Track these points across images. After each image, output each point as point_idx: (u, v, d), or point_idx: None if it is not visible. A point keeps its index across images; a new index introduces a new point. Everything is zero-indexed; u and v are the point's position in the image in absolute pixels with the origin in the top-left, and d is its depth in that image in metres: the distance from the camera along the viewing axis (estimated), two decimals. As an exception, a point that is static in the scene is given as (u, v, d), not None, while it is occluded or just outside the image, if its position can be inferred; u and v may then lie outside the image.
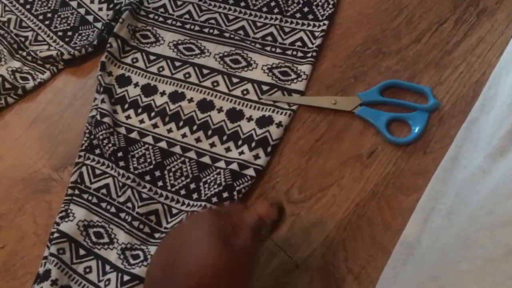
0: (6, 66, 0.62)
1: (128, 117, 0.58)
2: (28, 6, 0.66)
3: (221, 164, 0.54)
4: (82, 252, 0.51)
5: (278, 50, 0.60)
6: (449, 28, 0.59)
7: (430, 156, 0.53)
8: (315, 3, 0.63)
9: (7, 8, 0.66)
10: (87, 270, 0.50)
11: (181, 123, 0.57)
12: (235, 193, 0.52)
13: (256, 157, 0.54)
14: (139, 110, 0.58)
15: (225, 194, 0.52)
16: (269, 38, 0.61)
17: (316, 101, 0.57)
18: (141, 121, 0.58)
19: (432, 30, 0.60)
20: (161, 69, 0.61)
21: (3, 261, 0.54)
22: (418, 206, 0.50)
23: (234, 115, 0.57)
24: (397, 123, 0.55)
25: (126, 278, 0.48)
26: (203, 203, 0.52)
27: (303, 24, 0.61)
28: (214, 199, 0.52)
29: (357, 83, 0.58)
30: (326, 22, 0.61)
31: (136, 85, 0.60)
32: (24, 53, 0.63)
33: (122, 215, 0.52)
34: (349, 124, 0.56)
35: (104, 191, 0.54)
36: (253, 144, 0.55)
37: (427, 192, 0.51)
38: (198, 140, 0.56)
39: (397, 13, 0.61)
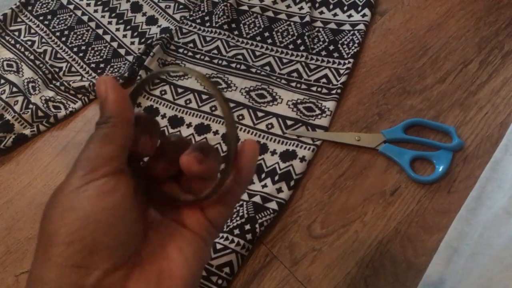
0: (40, 95, 0.65)
1: (154, 147, 0.59)
2: (63, 39, 0.69)
3: (244, 196, 0.55)
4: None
5: (303, 86, 0.61)
6: (474, 69, 0.60)
7: (454, 195, 0.53)
8: (340, 42, 0.64)
9: (43, 40, 0.69)
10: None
11: (206, 155, 0.58)
12: (257, 225, 0.52)
13: (279, 190, 0.54)
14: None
15: (247, 227, 0.52)
16: (295, 74, 0.62)
17: (340, 137, 0.57)
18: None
19: (457, 71, 0.60)
20: (188, 101, 0.62)
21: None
22: (442, 245, 0.49)
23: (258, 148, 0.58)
24: (421, 162, 0.55)
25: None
26: (225, 235, 0.52)
27: (328, 62, 0.63)
28: (236, 231, 0.52)
29: (381, 120, 0.58)
30: (351, 60, 0.62)
31: (163, 116, 0.62)
32: (58, 83, 0.65)
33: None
34: (372, 161, 0.56)
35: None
36: (276, 178, 0.55)
37: (450, 232, 0.50)
38: (222, 172, 0.57)
39: (422, 53, 0.62)
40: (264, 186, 0.55)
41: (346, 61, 0.62)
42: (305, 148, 0.57)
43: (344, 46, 0.64)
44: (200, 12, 0.69)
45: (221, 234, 0.52)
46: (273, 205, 0.54)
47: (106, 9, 0.71)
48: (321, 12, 0.67)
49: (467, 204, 0.52)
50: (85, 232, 0.24)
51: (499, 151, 0.55)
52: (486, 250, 0.44)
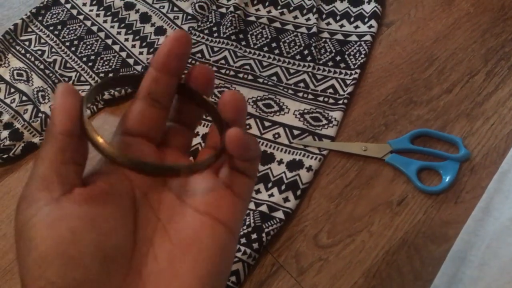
0: (49, 104, 0.65)
1: (162, 156, 0.60)
2: (73, 49, 0.70)
3: (251, 205, 0.55)
4: None
5: (310, 96, 0.62)
6: (481, 80, 0.60)
7: (461, 206, 0.53)
8: (347, 53, 0.65)
9: (53, 50, 0.70)
10: None
11: (213, 164, 0.58)
12: (263, 235, 0.52)
13: (286, 200, 0.55)
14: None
15: (254, 236, 0.52)
16: (302, 84, 0.63)
17: (346, 147, 0.58)
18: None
19: (463, 82, 0.61)
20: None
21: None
22: (449, 256, 0.49)
23: (265, 158, 0.58)
24: (427, 172, 0.55)
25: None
26: (231, 244, 0.52)
27: (335, 72, 0.63)
28: (243, 240, 0.52)
29: (388, 130, 0.58)
30: (357, 70, 0.62)
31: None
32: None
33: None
34: (379, 171, 0.56)
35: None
36: (283, 187, 0.55)
37: (457, 242, 0.50)
38: (229, 181, 0.57)
39: (428, 64, 0.63)
40: (271, 195, 0.55)
41: (353, 72, 0.63)
42: (311, 158, 0.57)
43: (351, 57, 0.64)
44: (208, 23, 0.70)
45: (227, 243, 0.52)
46: (279, 214, 0.54)
47: (116, 19, 0.72)
48: (328, 23, 0.68)
49: (475, 214, 0.52)
50: (50, 272, 0.22)
51: (506, 162, 0.55)
52: (493, 261, 0.44)
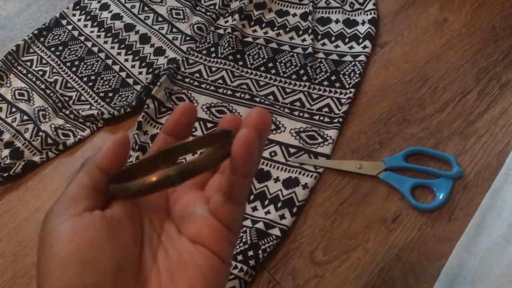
0: (49, 123, 0.66)
1: (160, 174, 0.61)
2: (74, 69, 0.71)
3: (248, 222, 0.56)
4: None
5: (306, 115, 0.63)
6: (473, 99, 0.62)
7: (455, 223, 0.53)
8: (342, 72, 0.66)
9: (54, 70, 0.71)
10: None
11: (210, 182, 0.59)
12: (260, 252, 0.53)
13: (282, 217, 0.55)
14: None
15: (250, 253, 0.53)
16: (298, 103, 0.64)
17: (341, 164, 0.59)
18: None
19: (456, 101, 0.62)
20: (193, 130, 0.64)
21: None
22: (443, 273, 0.50)
23: (262, 175, 0.59)
24: (421, 189, 0.56)
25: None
26: (228, 261, 0.53)
27: (330, 92, 0.64)
28: (239, 257, 0.53)
29: (382, 148, 0.59)
30: (352, 90, 0.64)
31: (169, 144, 0.63)
32: (67, 112, 0.67)
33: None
34: (374, 188, 0.57)
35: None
36: (279, 205, 0.56)
37: (451, 259, 0.51)
38: (226, 198, 0.58)
39: (421, 83, 0.64)
40: (267, 212, 0.56)
41: (348, 91, 0.64)
42: (307, 176, 0.58)
43: (346, 77, 0.66)
44: (206, 44, 0.71)
45: (224, 260, 0.53)
46: (276, 231, 0.54)
47: (116, 40, 0.74)
48: (323, 44, 0.70)
49: (468, 231, 0.52)
50: (68, 277, 0.25)
51: (499, 179, 0.55)
52: (485, 277, 0.45)
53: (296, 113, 0.63)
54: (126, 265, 0.27)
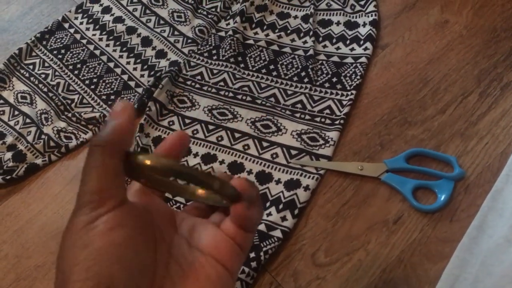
0: (52, 126, 0.67)
1: (162, 176, 0.61)
2: (76, 72, 0.72)
3: (249, 224, 0.56)
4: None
5: (307, 117, 0.63)
6: (474, 101, 0.62)
7: (457, 224, 0.53)
8: (343, 74, 0.66)
9: (57, 73, 0.72)
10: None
11: (212, 184, 0.59)
12: (261, 253, 0.53)
13: (283, 219, 0.55)
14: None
15: (252, 255, 0.53)
16: (299, 105, 0.64)
17: (343, 166, 0.59)
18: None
19: (457, 102, 0.62)
20: (195, 131, 0.64)
21: (34, 312, 0.55)
22: (444, 274, 0.50)
23: (263, 177, 0.59)
24: (423, 191, 0.56)
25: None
26: (230, 263, 0.53)
27: (331, 93, 0.65)
28: (241, 259, 0.53)
29: (384, 150, 0.60)
30: (353, 91, 0.64)
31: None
32: (70, 114, 0.68)
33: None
34: (375, 190, 0.57)
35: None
36: (280, 206, 0.56)
37: (452, 260, 0.51)
38: (227, 200, 0.58)
39: (422, 85, 0.64)
40: (269, 214, 0.56)
41: (349, 93, 0.64)
42: (309, 177, 0.58)
43: (347, 78, 0.66)
44: (207, 46, 0.71)
45: (226, 262, 0.53)
46: (277, 233, 0.54)
47: (118, 43, 0.74)
48: (325, 46, 0.70)
49: (469, 232, 0.52)
50: (99, 267, 0.25)
51: (500, 180, 0.55)
52: (487, 278, 0.44)
53: (298, 115, 0.63)
54: (147, 267, 0.28)
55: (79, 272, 0.25)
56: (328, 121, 0.62)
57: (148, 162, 0.27)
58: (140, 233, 0.28)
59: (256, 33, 0.72)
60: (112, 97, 0.69)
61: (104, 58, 0.73)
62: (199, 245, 0.30)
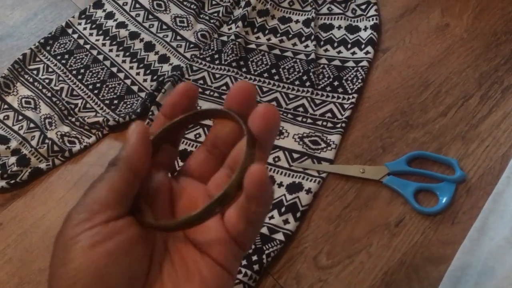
0: (55, 130, 0.67)
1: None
2: (79, 77, 0.72)
3: (252, 227, 0.56)
4: None
5: (309, 121, 0.63)
6: (475, 104, 0.62)
7: (458, 226, 0.54)
8: (344, 78, 0.67)
9: (60, 78, 0.72)
10: None
11: (214, 187, 0.60)
12: (264, 256, 0.53)
13: (286, 222, 0.56)
14: (176, 174, 0.62)
15: (254, 257, 0.53)
16: (301, 109, 0.65)
17: (344, 169, 0.59)
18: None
19: (458, 105, 0.62)
20: (197, 135, 0.64)
21: (38, 315, 0.56)
22: (446, 276, 0.50)
23: (266, 181, 0.59)
24: (424, 193, 0.56)
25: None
26: (233, 266, 0.53)
27: (333, 97, 0.65)
28: (244, 262, 0.53)
29: (385, 153, 0.60)
30: (355, 95, 0.64)
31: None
32: (73, 119, 0.68)
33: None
34: (377, 192, 0.57)
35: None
36: (283, 209, 0.57)
37: (454, 262, 0.51)
38: (230, 204, 0.58)
39: (423, 88, 0.64)
40: (271, 217, 0.56)
41: (350, 96, 0.64)
42: (311, 181, 0.58)
43: (348, 82, 0.66)
44: (210, 51, 0.72)
45: (229, 265, 0.53)
46: (280, 236, 0.55)
47: (121, 48, 0.74)
48: (326, 50, 0.70)
49: (470, 235, 0.52)
50: (79, 285, 0.24)
51: (501, 183, 0.56)
52: (488, 280, 0.45)
53: (299, 118, 0.64)
54: (136, 280, 0.26)
55: None
56: (329, 124, 0.63)
57: None
58: (129, 245, 0.26)
59: (258, 38, 0.73)
60: (115, 101, 0.70)
61: (107, 63, 0.73)
62: (195, 239, 0.29)
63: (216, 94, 0.67)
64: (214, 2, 0.78)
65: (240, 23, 0.73)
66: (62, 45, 0.76)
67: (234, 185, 0.25)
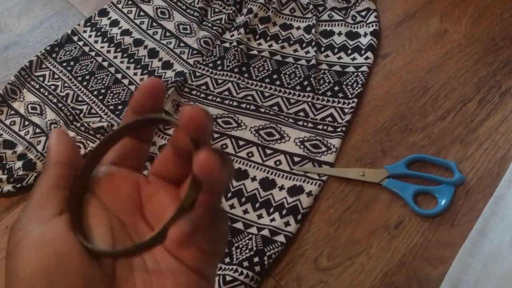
0: (61, 135, 0.69)
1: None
2: (85, 83, 0.74)
3: (253, 230, 0.57)
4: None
5: (310, 125, 0.64)
6: (473, 108, 0.63)
7: (457, 228, 0.54)
8: (345, 83, 0.68)
9: (66, 85, 0.74)
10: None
11: (217, 190, 0.61)
12: (265, 258, 0.54)
13: (287, 224, 0.56)
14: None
15: (256, 259, 0.54)
16: (302, 113, 0.66)
17: (345, 172, 0.60)
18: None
19: (457, 109, 0.63)
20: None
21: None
22: (446, 276, 0.51)
23: (267, 184, 0.60)
24: (424, 196, 0.57)
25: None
26: (234, 267, 0.54)
27: (333, 102, 0.66)
28: (245, 263, 0.54)
29: (385, 156, 0.61)
30: (355, 100, 0.65)
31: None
32: (78, 124, 0.69)
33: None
34: (377, 195, 0.58)
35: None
36: (284, 212, 0.57)
37: (454, 263, 0.52)
38: (232, 207, 0.59)
39: (423, 93, 0.65)
40: (272, 220, 0.57)
41: (351, 101, 0.65)
42: (311, 184, 0.59)
43: (349, 87, 0.67)
44: (212, 57, 0.73)
45: (230, 266, 0.54)
46: (281, 238, 0.56)
47: (125, 55, 0.76)
48: (326, 56, 0.71)
49: (471, 237, 0.53)
50: None
51: (502, 186, 0.56)
52: (488, 280, 0.45)
53: (300, 123, 0.65)
54: (96, 280, 0.25)
55: None
56: (330, 128, 0.64)
57: None
58: (78, 245, 0.25)
59: (259, 44, 0.74)
60: (120, 107, 0.71)
61: (112, 69, 0.75)
62: (167, 244, 0.27)
63: (218, 99, 0.69)
64: (216, 10, 0.79)
65: (242, 30, 0.74)
66: (67, 52, 0.77)
67: (175, 217, 0.24)
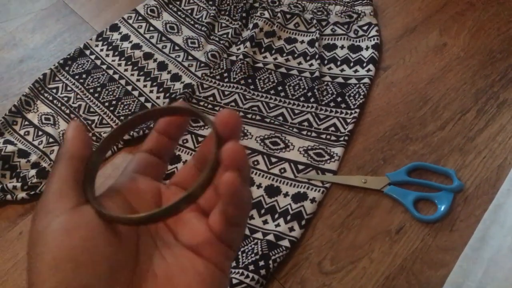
0: (73, 144, 0.71)
1: (176, 191, 0.65)
2: (96, 95, 0.77)
3: (259, 235, 0.59)
4: None
5: (314, 134, 0.67)
6: (472, 118, 0.65)
7: (456, 233, 0.56)
8: (347, 94, 0.70)
9: (78, 96, 0.77)
10: None
11: (223, 197, 0.63)
12: (270, 262, 0.56)
13: (291, 229, 0.58)
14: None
15: (261, 263, 0.56)
16: (306, 123, 0.68)
17: (347, 180, 0.62)
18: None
19: (456, 119, 0.65)
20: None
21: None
22: (447, 282, 0.52)
23: (272, 191, 0.62)
24: (424, 202, 0.59)
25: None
26: (240, 270, 0.56)
27: (336, 112, 0.68)
28: (251, 267, 0.56)
29: (386, 164, 0.63)
30: (357, 110, 0.67)
31: (184, 163, 0.67)
32: (90, 134, 0.72)
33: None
34: (378, 202, 0.60)
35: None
36: (288, 218, 0.59)
37: (456, 269, 0.53)
38: (238, 213, 0.61)
39: (422, 103, 0.67)
40: (277, 225, 0.59)
41: (353, 111, 0.68)
42: (315, 190, 0.61)
43: (351, 98, 0.69)
44: (219, 70, 0.76)
45: (236, 270, 0.56)
46: (285, 243, 0.57)
47: (135, 68, 0.79)
48: (330, 68, 0.74)
49: (472, 244, 0.55)
50: (58, 276, 0.24)
51: (501, 195, 0.58)
52: (489, 285, 0.47)
53: (304, 132, 0.67)
54: (120, 268, 0.26)
55: (41, 284, 0.24)
56: (333, 137, 0.66)
57: None
58: (105, 230, 0.26)
59: (265, 57, 0.77)
60: (130, 117, 0.73)
61: (123, 82, 0.78)
62: (186, 242, 0.29)
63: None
64: (224, 25, 0.82)
65: (248, 44, 0.77)
66: (80, 66, 0.80)
67: (200, 185, 0.26)
